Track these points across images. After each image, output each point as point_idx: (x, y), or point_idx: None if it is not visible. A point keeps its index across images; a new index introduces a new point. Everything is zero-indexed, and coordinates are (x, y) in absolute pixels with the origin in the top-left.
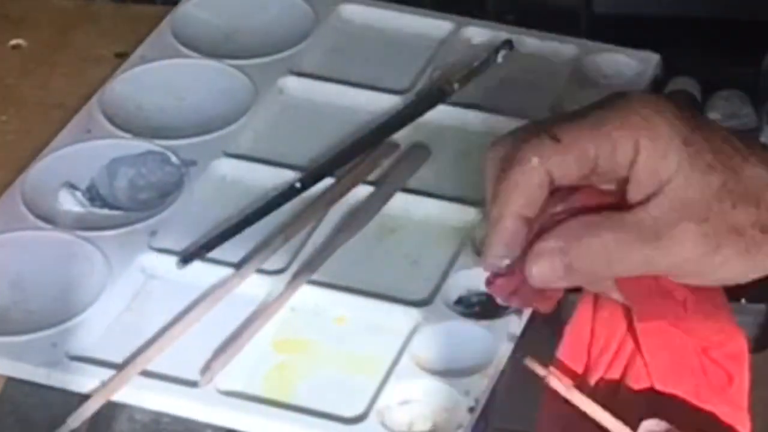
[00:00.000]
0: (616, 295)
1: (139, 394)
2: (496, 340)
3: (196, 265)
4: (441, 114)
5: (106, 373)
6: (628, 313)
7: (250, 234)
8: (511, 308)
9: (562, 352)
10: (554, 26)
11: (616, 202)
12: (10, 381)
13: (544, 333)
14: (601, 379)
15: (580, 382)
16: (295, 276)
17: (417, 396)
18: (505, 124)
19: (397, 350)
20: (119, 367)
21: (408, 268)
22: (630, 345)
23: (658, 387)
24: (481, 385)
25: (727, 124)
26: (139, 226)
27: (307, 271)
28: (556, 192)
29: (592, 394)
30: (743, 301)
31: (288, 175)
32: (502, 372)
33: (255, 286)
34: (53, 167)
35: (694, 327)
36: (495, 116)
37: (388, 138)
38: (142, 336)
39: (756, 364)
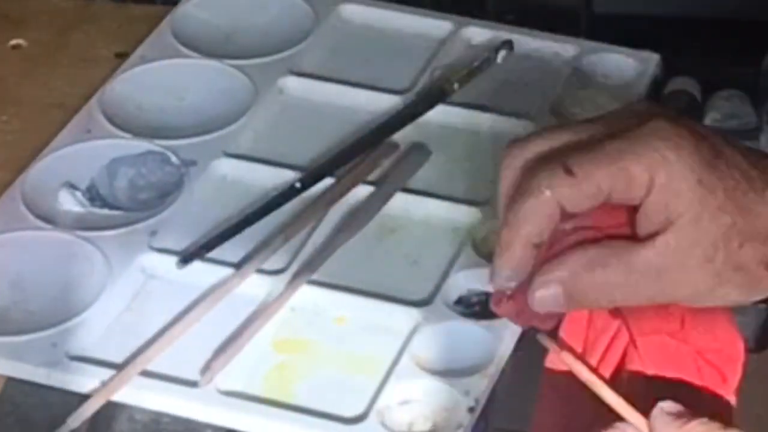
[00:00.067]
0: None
1: (139, 394)
2: (496, 340)
3: (196, 265)
4: (441, 114)
5: (106, 373)
6: None
7: (250, 234)
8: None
9: (562, 331)
10: (554, 26)
11: (626, 221)
12: (10, 381)
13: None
14: (601, 359)
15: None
16: (295, 276)
17: (417, 396)
18: (505, 124)
19: (397, 350)
20: (119, 367)
21: (408, 268)
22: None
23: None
24: (481, 385)
25: (727, 124)
26: (139, 226)
27: (307, 271)
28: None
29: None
30: None
31: (288, 175)
32: (502, 372)
33: (255, 286)
34: (53, 167)
35: (691, 338)
36: (495, 116)
37: (388, 138)
38: (142, 336)
39: (756, 364)
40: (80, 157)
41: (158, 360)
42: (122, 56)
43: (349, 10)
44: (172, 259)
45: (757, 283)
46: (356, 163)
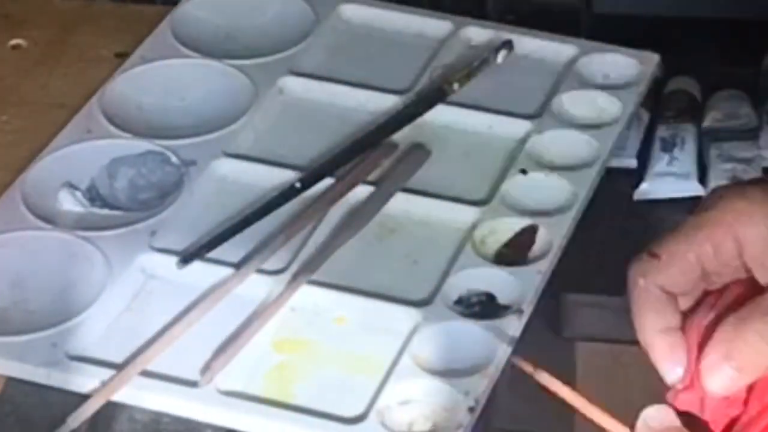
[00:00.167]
0: None
1: (139, 394)
2: (496, 340)
3: (196, 265)
4: (441, 114)
5: (106, 373)
6: None
7: (250, 234)
8: (512, 309)
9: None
10: (554, 26)
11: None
12: (10, 381)
13: (543, 334)
14: None
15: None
16: (295, 276)
17: (417, 396)
18: (505, 123)
19: (397, 350)
20: (119, 367)
21: (408, 268)
22: None
23: None
24: (481, 385)
25: (727, 124)
26: (139, 226)
27: (307, 271)
28: (708, 296)
29: None
30: None
31: (288, 175)
32: (502, 372)
33: (255, 286)
34: (53, 167)
35: None
36: (495, 116)
37: (388, 138)
38: (142, 336)
39: None
40: (80, 157)
41: (158, 360)
42: (122, 56)
43: (349, 10)
44: (172, 259)
45: None
46: (356, 163)
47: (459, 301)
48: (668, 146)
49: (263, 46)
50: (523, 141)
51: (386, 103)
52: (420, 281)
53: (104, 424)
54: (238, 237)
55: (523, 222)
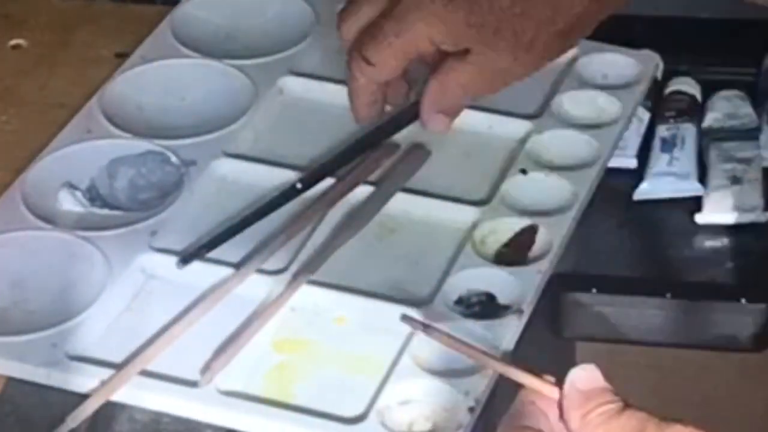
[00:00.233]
0: None
1: (139, 394)
2: (496, 340)
3: (196, 265)
4: None
5: (106, 373)
6: None
7: (250, 234)
8: (512, 309)
9: None
10: None
11: None
12: (10, 381)
13: (543, 334)
14: None
15: None
16: (295, 276)
17: (417, 396)
18: (505, 124)
19: (397, 350)
20: (119, 367)
21: (408, 268)
22: None
23: None
24: (481, 385)
25: (727, 124)
26: (139, 226)
27: (307, 271)
28: None
29: None
30: (743, 300)
31: (288, 175)
32: None
33: (255, 286)
34: (53, 167)
35: None
36: (495, 116)
37: (388, 138)
38: (142, 336)
39: (756, 364)
40: (80, 157)
41: (158, 360)
42: (122, 56)
43: None
44: (172, 259)
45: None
46: (356, 163)
47: (459, 301)
48: (668, 146)
49: (263, 46)
50: (523, 141)
51: None
52: (420, 281)
53: (104, 424)
54: (238, 237)
55: (523, 222)
